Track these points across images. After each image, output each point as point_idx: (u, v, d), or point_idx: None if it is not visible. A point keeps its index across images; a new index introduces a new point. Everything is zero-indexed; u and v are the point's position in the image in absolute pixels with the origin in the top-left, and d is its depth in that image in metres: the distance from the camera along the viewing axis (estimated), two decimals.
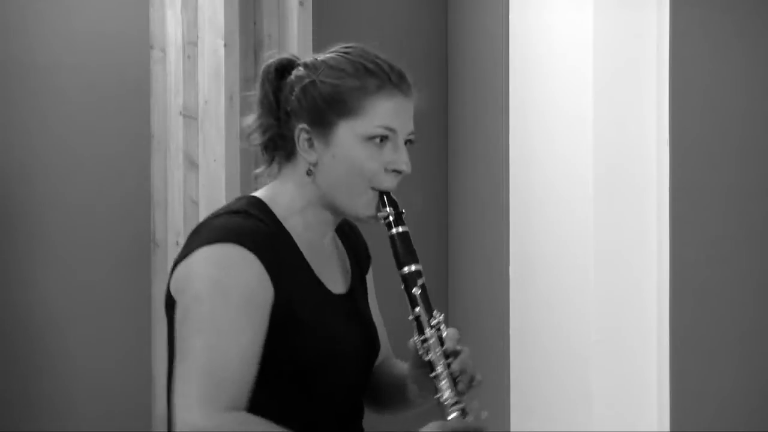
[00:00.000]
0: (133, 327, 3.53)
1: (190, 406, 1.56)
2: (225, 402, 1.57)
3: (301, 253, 1.74)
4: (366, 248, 1.96)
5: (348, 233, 1.91)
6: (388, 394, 1.90)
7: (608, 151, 2.94)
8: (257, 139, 1.79)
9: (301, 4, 3.13)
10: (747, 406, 3.00)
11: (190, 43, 3.22)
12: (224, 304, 1.61)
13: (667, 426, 2.90)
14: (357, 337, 1.79)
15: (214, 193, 3.08)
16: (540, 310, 3.17)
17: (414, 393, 1.82)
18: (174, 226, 3.31)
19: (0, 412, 3.54)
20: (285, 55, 1.81)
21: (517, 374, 3.27)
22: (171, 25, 3.31)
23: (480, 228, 3.53)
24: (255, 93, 1.80)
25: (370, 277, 1.95)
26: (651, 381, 2.92)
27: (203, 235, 1.68)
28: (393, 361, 1.94)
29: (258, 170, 1.83)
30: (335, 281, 1.80)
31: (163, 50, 3.36)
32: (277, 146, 1.77)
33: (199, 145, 3.17)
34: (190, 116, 3.23)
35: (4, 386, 3.54)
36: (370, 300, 1.93)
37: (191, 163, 3.23)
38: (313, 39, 3.19)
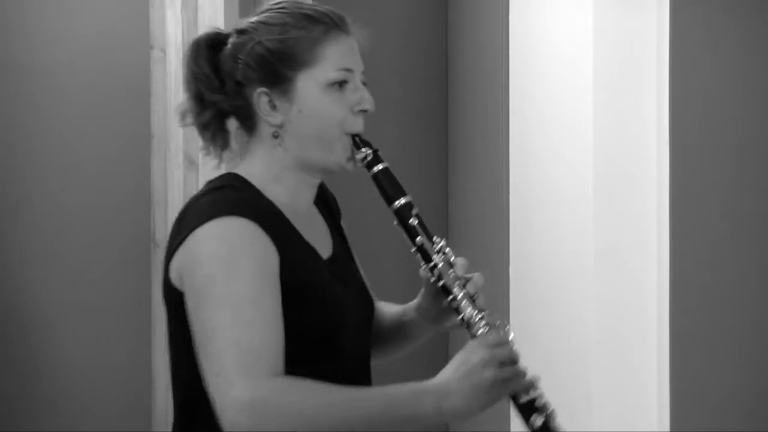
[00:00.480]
0: (133, 327, 3.53)
1: (230, 382, 1.51)
2: (265, 369, 1.52)
3: (289, 221, 1.72)
4: (333, 197, 1.93)
5: (319, 196, 1.87)
6: (389, 335, 1.89)
7: (608, 151, 2.94)
8: (196, 117, 1.77)
9: None
10: (747, 406, 3.00)
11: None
12: (239, 275, 1.57)
13: (667, 426, 2.90)
14: (354, 299, 1.77)
15: None
16: (540, 310, 3.17)
17: (421, 323, 1.82)
18: None
19: (0, 411, 3.54)
20: (211, 30, 1.78)
21: None
22: (171, 25, 3.31)
23: (480, 228, 3.53)
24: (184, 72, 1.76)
25: (343, 227, 1.93)
26: (651, 381, 2.92)
27: (195, 216, 1.65)
28: (382, 303, 1.93)
29: (216, 153, 1.81)
30: (322, 246, 1.77)
31: (163, 50, 3.36)
32: (221, 126, 1.76)
33: (199, 145, 3.17)
34: None
35: (3, 386, 3.54)
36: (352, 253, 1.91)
37: (191, 163, 3.23)
38: None
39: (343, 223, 1.93)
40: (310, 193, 1.79)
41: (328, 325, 1.68)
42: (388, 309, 1.91)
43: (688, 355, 2.91)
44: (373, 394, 1.58)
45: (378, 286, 1.93)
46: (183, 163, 3.28)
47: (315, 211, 1.84)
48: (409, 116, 3.60)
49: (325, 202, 1.89)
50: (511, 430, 3.29)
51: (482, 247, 3.52)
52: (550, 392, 3.10)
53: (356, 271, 1.86)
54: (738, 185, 2.99)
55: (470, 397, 1.59)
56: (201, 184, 3.34)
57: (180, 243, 1.64)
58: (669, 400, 2.90)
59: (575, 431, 3.00)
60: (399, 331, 1.88)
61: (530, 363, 3.42)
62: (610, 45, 2.93)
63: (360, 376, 1.78)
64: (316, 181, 1.78)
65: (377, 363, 1.88)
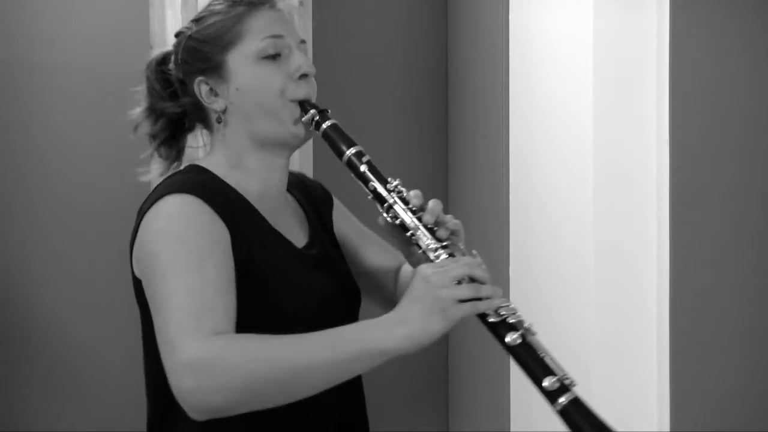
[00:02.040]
0: (133, 327, 3.52)
1: (173, 346, 1.48)
2: (207, 328, 1.50)
3: (253, 208, 1.72)
4: (320, 187, 1.93)
5: (297, 186, 1.88)
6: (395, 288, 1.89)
7: (608, 151, 2.94)
8: (147, 127, 1.85)
9: (301, 4, 3.12)
10: (747, 406, 3.00)
11: None
12: (181, 248, 1.57)
13: (667, 426, 2.90)
14: (328, 287, 1.75)
15: None
16: (540, 310, 3.17)
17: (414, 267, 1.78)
18: None
19: None
20: (163, 50, 1.85)
21: (517, 374, 3.26)
22: (171, 25, 3.31)
23: (480, 228, 3.53)
24: (140, 91, 1.85)
25: (341, 210, 1.93)
26: (651, 381, 2.93)
27: (146, 203, 1.68)
28: (405, 266, 1.92)
29: (198, 147, 1.85)
30: (295, 235, 1.77)
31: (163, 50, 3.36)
32: (185, 128, 1.81)
33: (199, 145, 3.17)
34: None
35: (2, 385, 3.54)
36: (353, 229, 1.90)
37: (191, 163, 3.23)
38: (313, 39, 3.19)
39: (336, 212, 1.92)
40: (278, 177, 1.78)
41: (290, 309, 1.66)
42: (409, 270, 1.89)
43: (688, 355, 2.91)
44: (318, 336, 1.51)
45: None
46: (183, 163, 3.28)
47: (291, 202, 1.84)
48: (409, 116, 3.60)
49: (306, 192, 1.89)
50: (511, 430, 3.29)
51: (482, 247, 3.52)
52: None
53: (338, 261, 1.84)
54: (738, 185, 2.99)
55: (424, 319, 1.50)
56: None
57: (135, 234, 1.67)
58: (669, 400, 2.90)
59: None
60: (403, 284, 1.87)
61: None
62: (610, 45, 2.93)
63: None
64: (284, 162, 1.78)
65: None
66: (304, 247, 1.77)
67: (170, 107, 1.81)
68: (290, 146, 1.78)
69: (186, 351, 1.47)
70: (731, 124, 2.98)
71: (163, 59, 1.84)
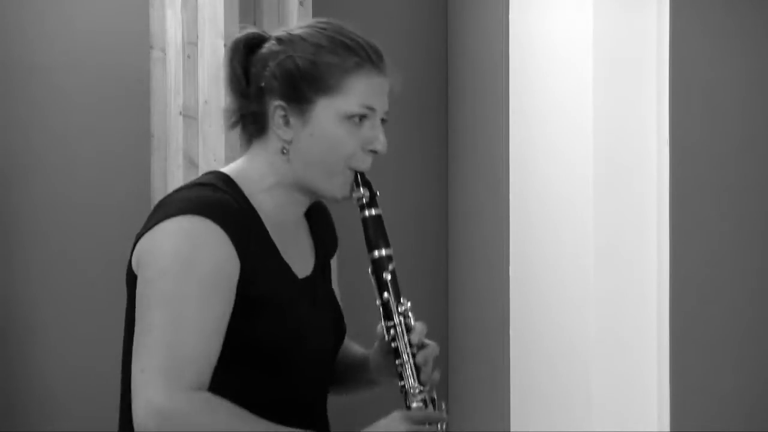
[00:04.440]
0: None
1: (151, 385, 1.51)
2: (187, 380, 1.52)
3: (267, 233, 1.70)
4: (333, 231, 1.92)
5: (314, 215, 1.85)
6: (348, 375, 1.87)
7: (608, 151, 2.94)
8: (231, 118, 1.75)
9: (301, 4, 3.13)
10: (747, 406, 3.00)
11: (190, 43, 3.22)
12: (189, 278, 1.57)
13: (667, 426, 2.90)
14: (322, 322, 1.76)
15: None
16: (540, 310, 3.17)
17: (375, 374, 1.80)
18: None
19: None
20: (253, 30, 1.77)
21: (517, 374, 3.27)
22: (171, 25, 3.31)
23: (480, 228, 3.53)
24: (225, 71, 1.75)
25: (335, 261, 1.91)
26: (651, 381, 2.92)
27: (167, 208, 1.64)
28: (350, 342, 1.91)
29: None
30: (301, 263, 1.76)
31: (163, 50, 3.36)
32: (248, 123, 1.73)
33: (199, 145, 3.17)
34: (190, 116, 3.23)
35: (1, 386, 3.54)
36: (336, 287, 1.89)
37: (191, 163, 3.23)
38: None
39: (332, 262, 1.90)
40: (297, 210, 1.77)
41: (284, 343, 1.66)
42: (355, 347, 1.89)
43: (688, 355, 2.91)
44: None
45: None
46: (183, 163, 3.28)
47: (303, 227, 1.82)
48: (409, 116, 3.60)
49: (321, 229, 1.87)
50: (511, 430, 3.29)
51: (482, 247, 3.52)
52: (550, 392, 3.11)
53: (330, 294, 1.84)
54: (738, 185, 2.99)
55: None
56: None
57: (147, 230, 1.64)
58: (669, 400, 2.90)
59: (575, 431, 3.01)
60: (358, 370, 1.86)
61: (530, 363, 3.44)
62: (610, 45, 2.93)
63: (313, 401, 1.76)
64: (306, 201, 1.77)
65: (335, 398, 1.88)
66: (307, 279, 1.76)
67: (244, 105, 1.72)
68: (324, 200, 1.79)
69: (160, 395, 1.51)
70: (731, 124, 2.98)
71: (252, 44, 1.73)
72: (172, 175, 3.33)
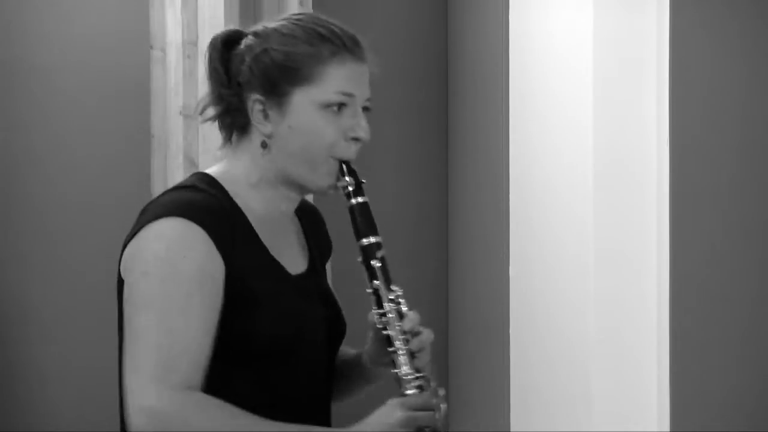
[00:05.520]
0: None
1: (142, 386, 1.52)
2: (179, 380, 1.53)
3: (254, 231, 1.70)
4: (327, 236, 1.91)
5: (308, 218, 1.85)
6: (343, 373, 1.86)
7: (608, 151, 2.94)
8: (211, 112, 1.75)
9: (301, 4, 3.13)
10: (747, 406, 3.00)
11: (190, 43, 3.22)
12: (173, 279, 1.57)
13: (667, 426, 2.90)
14: (319, 318, 1.75)
15: None
16: (540, 310, 3.17)
17: (370, 366, 1.79)
18: None
19: None
20: (232, 27, 1.77)
21: (517, 374, 3.27)
22: (171, 25, 3.31)
23: (480, 228, 3.53)
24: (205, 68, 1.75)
25: (329, 267, 1.91)
26: (651, 381, 2.93)
27: (150, 212, 1.65)
28: (344, 346, 1.90)
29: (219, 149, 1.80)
30: (293, 261, 1.75)
31: (163, 50, 3.36)
32: (231, 119, 1.73)
33: (199, 145, 3.17)
34: (190, 116, 3.23)
35: (1, 385, 3.54)
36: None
37: (191, 163, 3.23)
38: None
39: (329, 264, 1.90)
40: (286, 207, 1.76)
41: (280, 339, 1.66)
42: (345, 350, 1.88)
43: (688, 355, 2.91)
44: (281, 431, 1.57)
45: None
46: (183, 163, 3.28)
47: (295, 226, 1.81)
48: (409, 116, 3.60)
49: (316, 232, 1.86)
50: (511, 430, 3.29)
51: (482, 247, 3.52)
52: (550, 392, 3.11)
53: (328, 290, 1.83)
54: (738, 185, 2.99)
55: None
56: None
57: (132, 236, 1.64)
58: (669, 400, 2.90)
59: (575, 431, 3.01)
60: (350, 369, 1.85)
61: (530, 363, 3.44)
62: (610, 45, 2.93)
63: (315, 398, 1.76)
64: (295, 197, 1.76)
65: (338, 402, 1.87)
66: (302, 275, 1.76)
67: (229, 96, 1.73)
68: (311, 193, 1.77)
69: (151, 398, 1.51)
70: (731, 124, 2.98)
71: (230, 41, 1.74)
72: (172, 175, 3.33)
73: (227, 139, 1.76)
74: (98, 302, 3.58)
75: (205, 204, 1.65)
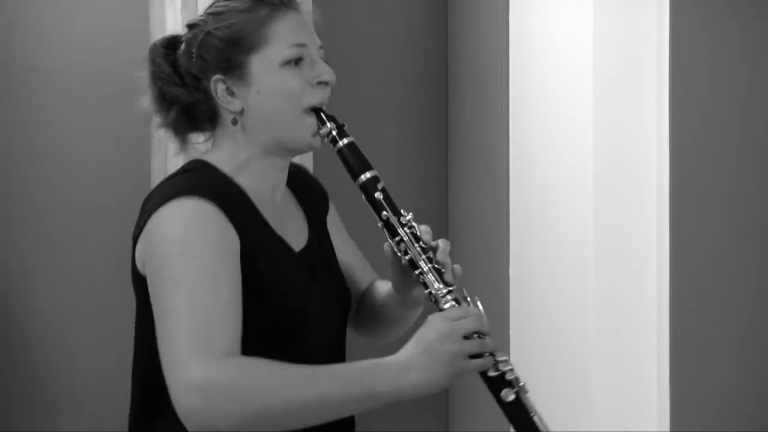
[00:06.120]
0: (133, 327, 3.52)
1: (185, 363, 1.49)
2: (218, 350, 1.51)
3: (256, 208, 1.71)
4: (319, 187, 1.91)
5: (296, 179, 1.86)
6: (382, 316, 1.87)
7: (608, 151, 2.94)
8: (163, 117, 1.78)
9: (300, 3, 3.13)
10: (747, 406, 3.00)
11: None
12: (193, 256, 1.56)
13: (667, 426, 2.90)
14: (324, 292, 1.76)
15: None
16: (540, 310, 3.17)
17: (402, 297, 1.79)
18: None
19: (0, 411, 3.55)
20: (165, 34, 1.82)
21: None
22: (171, 25, 3.31)
23: (480, 228, 3.53)
24: (144, 76, 1.81)
25: (334, 216, 1.91)
26: (651, 381, 2.92)
27: (156, 198, 1.65)
28: (378, 282, 1.91)
29: (199, 143, 1.80)
30: (295, 236, 1.76)
31: None
32: (198, 114, 1.75)
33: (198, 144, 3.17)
34: None
35: (3, 386, 3.54)
36: (340, 238, 1.89)
37: None
38: None
39: (330, 218, 1.91)
40: (278, 178, 1.77)
41: (289, 317, 1.66)
42: (383, 287, 1.89)
43: (688, 355, 2.91)
44: (330, 372, 1.54)
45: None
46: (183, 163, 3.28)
47: (290, 199, 1.83)
48: (409, 116, 3.60)
49: (307, 193, 1.87)
50: (511, 430, 3.29)
51: (482, 247, 3.52)
52: (550, 392, 3.11)
53: (333, 264, 1.84)
54: (738, 185, 2.99)
55: (430, 370, 1.54)
56: None
57: (141, 228, 1.64)
58: (669, 400, 2.90)
59: (575, 431, 3.01)
60: (390, 307, 1.86)
61: (530, 363, 3.43)
62: (610, 45, 2.93)
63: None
64: (285, 164, 1.77)
65: (376, 345, 1.87)
66: (303, 251, 1.76)
67: (182, 94, 1.76)
68: (300, 153, 1.78)
69: (196, 371, 1.48)
70: (731, 124, 2.98)
71: (170, 44, 1.79)
72: None
73: (181, 142, 1.79)
74: (99, 301, 3.58)
75: (212, 182, 1.67)
